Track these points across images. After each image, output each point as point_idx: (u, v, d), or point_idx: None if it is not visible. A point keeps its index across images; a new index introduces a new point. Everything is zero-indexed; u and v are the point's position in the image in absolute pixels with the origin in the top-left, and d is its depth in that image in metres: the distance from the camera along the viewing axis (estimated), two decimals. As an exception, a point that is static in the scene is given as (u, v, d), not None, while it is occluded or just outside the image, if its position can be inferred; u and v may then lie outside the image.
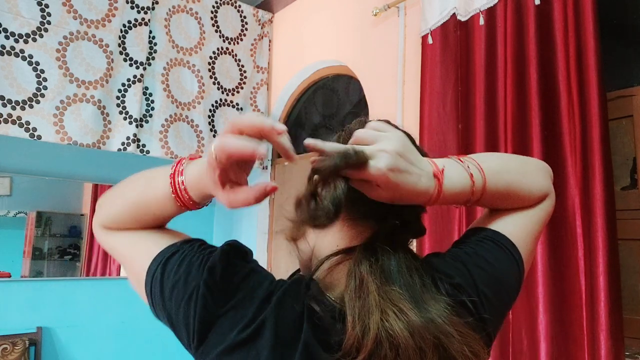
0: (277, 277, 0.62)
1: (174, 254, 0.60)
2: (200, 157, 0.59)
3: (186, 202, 0.58)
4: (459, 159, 0.62)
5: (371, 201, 0.58)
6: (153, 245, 0.62)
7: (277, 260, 2.93)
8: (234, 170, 0.51)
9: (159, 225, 0.65)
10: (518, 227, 0.68)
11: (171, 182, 0.58)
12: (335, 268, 0.60)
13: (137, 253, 0.63)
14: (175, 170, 0.58)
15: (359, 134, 0.56)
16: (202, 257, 0.59)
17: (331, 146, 0.52)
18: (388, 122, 0.68)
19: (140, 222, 0.64)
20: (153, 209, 0.61)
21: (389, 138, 0.54)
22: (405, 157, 0.54)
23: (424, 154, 0.68)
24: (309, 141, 0.53)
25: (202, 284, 0.55)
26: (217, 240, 3.35)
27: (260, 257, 2.96)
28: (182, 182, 0.57)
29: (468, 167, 0.61)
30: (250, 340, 0.54)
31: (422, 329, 0.52)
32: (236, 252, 0.60)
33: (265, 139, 0.50)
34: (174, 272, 0.58)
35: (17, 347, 2.50)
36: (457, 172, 0.60)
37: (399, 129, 0.67)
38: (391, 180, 0.53)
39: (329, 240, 0.63)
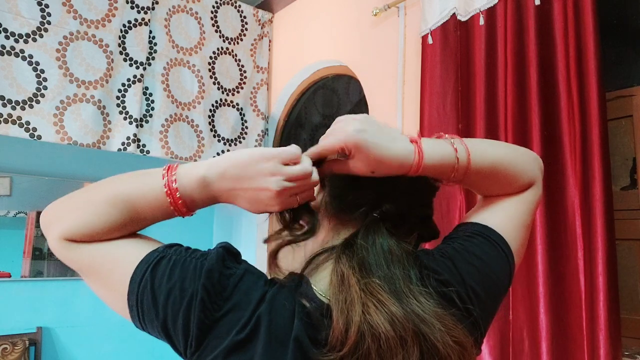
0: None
1: (161, 260, 0.58)
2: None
3: (179, 209, 0.59)
4: (444, 135, 0.64)
5: (353, 195, 0.61)
6: (132, 253, 0.59)
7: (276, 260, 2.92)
8: None
9: (136, 230, 0.62)
10: (507, 220, 0.68)
11: (167, 191, 0.58)
12: (322, 265, 0.62)
13: (114, 263, 0.59)
14: (168, 177, 0.58)
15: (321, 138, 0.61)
16: (196, 261, 0.58)
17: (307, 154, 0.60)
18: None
19: (118, 229, 0.59)
20: (141, 219, 0.60)
21: (348, 118, 0.59)
22: (371, 123, 0.58)
23: None
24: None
25: (200, 289, 0.55)
26: (217, 241, 3.35)
27: (261, 257, 2.96)
28: (177, 190, 0.58)
29: (451, 141, 0.63)
30: (247, 341, 0.55)
31: (402, 319, 0.53)
32: (230, 254, 0.60)
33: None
34: (167, 278, 0.56)
35: (17, 347, 2.50)
36: (436, 142, 0.62)
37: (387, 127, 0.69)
38: (361, 140, 0.56)
39: (319, 238, 0.66)
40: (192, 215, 0.62)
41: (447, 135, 0.64)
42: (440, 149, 0.61)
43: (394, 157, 0.58)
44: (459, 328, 0.56)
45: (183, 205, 0.59)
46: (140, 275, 0.57)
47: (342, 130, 0.58)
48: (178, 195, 0.58)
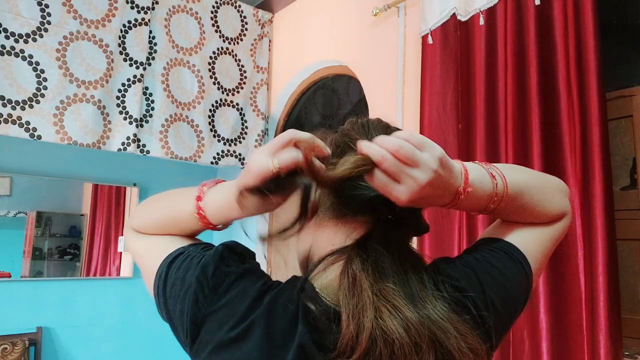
0: (277, 279, 0.62)
1: (179, 255, 0.62)
2: (224, 181, 0.63)
3: (206, 224, 0.63)
4: (482, 165, 0.61)
5: (362, 197, 0.58)
6: (166, 248, 0.65)
7: (276, 262, 2.93)
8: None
9: (186, 235, 0.68)
10: (532, 242, 0.67)
11: (195, 204, 0.61)
12: (330, 268, 0.60)
13: (152, 255, 0.66)
14: (199, 193, 0.62)
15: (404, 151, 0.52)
16: (201, 257, 0.60)
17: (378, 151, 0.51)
18: (379, 120, 0.68)
19: (167, 232, 0.67)
20: (179, 224, 0.65)
21: (431, 145, 0.52)
22: (446, 159, 0.53)
23: None
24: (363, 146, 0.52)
25: (194, 281, 0.57)
26: (216, 240, 3.34)
27: (259, 258, 2.96)
28: (201, 206, 0.61)
29: (492, 174, 0.60)
30: (239, 339, 0.54)
31: (417, 325, 0.52)
32: (231, 252, 0.60)
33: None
34: (175, 270, 0.60)
35: (17, 347, 2.50)
36: (481, 174, 0.59)
37: (390, 127, 0.67)
38: (441, 175, 0.52)
39: (324, 239, 0.63)
40: (225, 228, 0.66)
41: (484, 163, 0.62)
42: (483, 184, 0.58)
43: (441, 195, 0.55)
44: (473, 334, 0.55)
45: (213, 228, 0.64)
46: (161, 269, 0.62)
47: (430, 162, 0.51)
48: (207, 221, 0.62)
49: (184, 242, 0.66)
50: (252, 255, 0.63)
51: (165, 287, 0.60)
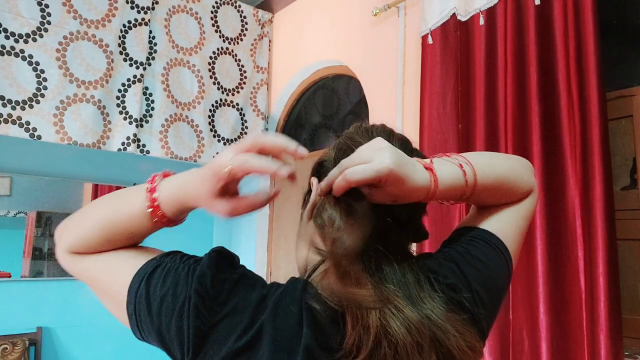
0: (277, 280, 0.62)
1: (156, 268, 0.58)
2: (174, 173, 0.61)
3: (161, 218, 0.59)
4: (446, 155, 0.63)
5: (363, 201, 0.58)
6: (130, 263, 0.60)
7: (276, 262, 2.93)
8: (235, 183, 0.55)
9: (132, 244, 0.63)
10: (506, 225, 0.68)
11: (148, 197, 0.58)
12: (331, 270, 0.59)
13: (114, 274, 0.61)
14: (151, 186, 0.59)
15: (346, 162, 0.57)
16: (189, 267, 0.57)
17: (326, 181, 0.58)
18: (384, 126, 0.68)
19: (113, 243, 0.62)
20: (127, 227, 0.60)
21: (379, 147, 0.56)
22: (399, 152, 0.56)
23: (422, 157, 0.68)
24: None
25: (193, 294, 0.54)
26: (217, 243, 3.34)
27: (260, 259, 2.96)
28: (156, 198, 0.58)
29: (458, 163, 0.62)
30: (249, 348, 0.53)
31: (418, 324, 0.53)
32: (223, 258, 0.59)
33: (282, 159, 0.54)
34: (160, 286, 0.56)
35: (17, 347, 2.50)
36: (446, 165, 0.61)
37: (394, 133, 0.67)
38: (400, 173, 0.54)
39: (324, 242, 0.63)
40: (178, 224, 0.62)
41: (449, 154, 0.63)
42: (451, 172, 0.60)
43: (419, 189, 0.56)
44: (471, 333, 0.55)
45: (167, 223, 0.60)
46: (136, 285, 0.58)
47: (378, 161, 0.54)
48: (162, 214, 0.59)
49: (148, 254, 0.61)
50: (238, 258, 0.62)
51: (149, 306, 0.56)
